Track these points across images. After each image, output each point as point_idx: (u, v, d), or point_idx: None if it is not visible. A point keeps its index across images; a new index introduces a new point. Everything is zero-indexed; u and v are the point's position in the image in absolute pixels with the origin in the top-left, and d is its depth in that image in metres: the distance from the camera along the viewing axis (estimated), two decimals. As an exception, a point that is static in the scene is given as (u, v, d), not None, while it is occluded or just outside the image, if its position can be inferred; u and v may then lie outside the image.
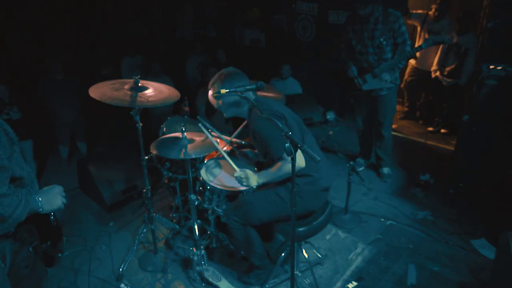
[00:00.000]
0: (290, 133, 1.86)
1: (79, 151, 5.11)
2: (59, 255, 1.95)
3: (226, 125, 4.22)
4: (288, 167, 2.25)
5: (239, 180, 2.43)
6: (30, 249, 1.83)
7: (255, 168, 2.98)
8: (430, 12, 4.88)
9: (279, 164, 2.33)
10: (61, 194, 1.89)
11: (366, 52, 3.64)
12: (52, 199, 1.83)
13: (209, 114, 4.70)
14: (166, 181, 3.54)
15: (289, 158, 2.00)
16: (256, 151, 2.97)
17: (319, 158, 1.81)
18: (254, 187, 2.68)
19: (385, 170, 4.20)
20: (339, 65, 3.99)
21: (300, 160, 2.26)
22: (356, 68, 3.77)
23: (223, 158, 3.20)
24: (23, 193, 1.67)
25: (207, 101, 4.71)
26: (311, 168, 2.40)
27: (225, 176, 2.95)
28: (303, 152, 1.78)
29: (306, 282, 2.80)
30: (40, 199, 1.78)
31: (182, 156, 2.55)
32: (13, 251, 1.75)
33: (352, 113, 4.27)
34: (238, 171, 2.47)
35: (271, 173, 2.38)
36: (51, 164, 4.98)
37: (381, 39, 3.51)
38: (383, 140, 4.06)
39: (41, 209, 1.78)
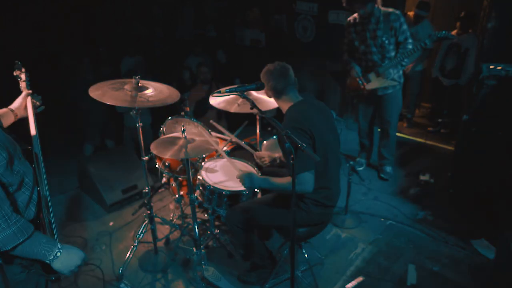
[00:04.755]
0: (289, 132, 1.86)
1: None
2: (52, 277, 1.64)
3: (220, 122, 4.22)
4: (297, 188, 2.02)
5: (241, 181, 2.43)
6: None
7: (257, 170, 2.98)
8: (410, 13, 4.90)
9: (289, 179, 2.15)
10: (79, 260, 1.61)
11: (370, 51, 3.65)
12: (70, 260, 1.57)
13: (199, 113, 4.73)
14: (166, 181, 3.54)
15: (303, 182, 2.08)
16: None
17: (318, 158, 1.81)
18: (256, 189, 2.68)
19: (388, 168, 4.20)
20: (340, 65, 3.99)
21: (310, 184, 2.21)
22: (360, 68, 3.77)
23: (223, 158, 3.21)
24: (21, 221, 1.45)
25: (197, 101, 4.72)
26: (328, 181, 2.37)
27: (225, 176, 2.94)
28: (303, 151, 1.78)
29: (306, 282, 2.81)
30: (58, 253, 1.53)
31: (182, 156, 2.55)
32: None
33: (354, 113, 4.27)
34: (240, 173, 2.45)
35: (276, 183, 2.31)
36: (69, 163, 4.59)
37: (383, 38, 3.52)
38: (389, 140, 4.06)
39: (49, 261, 1.52)
